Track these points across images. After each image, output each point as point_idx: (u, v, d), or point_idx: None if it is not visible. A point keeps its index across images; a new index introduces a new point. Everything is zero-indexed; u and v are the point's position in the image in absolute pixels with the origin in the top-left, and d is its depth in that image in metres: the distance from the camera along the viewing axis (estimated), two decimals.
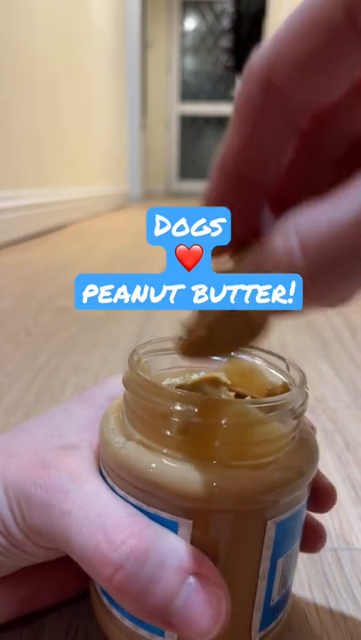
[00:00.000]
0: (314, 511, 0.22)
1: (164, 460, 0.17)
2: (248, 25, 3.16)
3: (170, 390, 0.17)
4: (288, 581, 0.20)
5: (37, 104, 1.60)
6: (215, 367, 0.23)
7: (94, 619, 0.23)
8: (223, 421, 0.17)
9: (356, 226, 0.10)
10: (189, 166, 5.52)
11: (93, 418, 0.22)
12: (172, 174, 5.51)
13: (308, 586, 0.25)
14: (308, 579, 0.26)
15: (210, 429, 0.17)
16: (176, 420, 0.17)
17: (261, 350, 0.22)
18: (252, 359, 0.23)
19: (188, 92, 5.33)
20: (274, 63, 0.12)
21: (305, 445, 0.19)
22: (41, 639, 0.22)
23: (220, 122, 5.34)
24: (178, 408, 0.17)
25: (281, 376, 0.21)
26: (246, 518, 0.17)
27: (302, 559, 0.27)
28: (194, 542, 0.17)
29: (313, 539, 0.22)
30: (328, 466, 0.36)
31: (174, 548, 0.16)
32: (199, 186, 5.91)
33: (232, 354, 0.22)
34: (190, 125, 5.40)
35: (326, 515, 0.31)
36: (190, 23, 5.14)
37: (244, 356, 0.23)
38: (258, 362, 0.22)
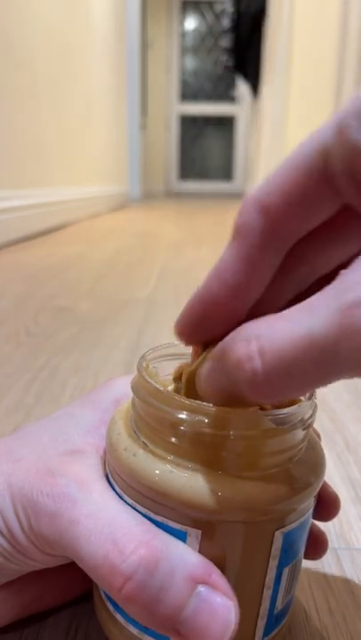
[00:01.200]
0: (317, 519, 0.22)
1: (174, 470, 0.17)
2: (248, 25, 3.16)
3: (181, 400, 0.17)
4: (292, 589, 0.20)
5: (37, 104, 1.60)
6: None
7: (94, 619, 0.23)
8: (234, 433, 0.17)
9: (308, 342, 0.12)
10: (189, 166, 5.52)
11: (98, 421, 0.22)
12: (172, 174, 5.51)
13: (308, 586, 0.25)
14: (308, 579, 0.26)
15: (220, 440, 0.17)
16: (186, 429, 0.17)
17: None
18: None
19: (188, 92, 5.33)
20: (267, 195, 0.15)
21: (312, 455, 0.19)
22: (41, 639, 0.22)
23: (221, 122, 5.35)
24: (189, 418, 0.17)
25: None
26: (254, 529, 0.17)
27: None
28: (202, 551, 0.17)
29: (315, 546, 0.22)
30: (328, 466, 0.36)
31: (183, 557, 0.16)
32: (199, 186, 5.90)
33: None
34: (190, 125, 5.40)
35: None
36: (190, 23, 5.14)
37: None
38: None
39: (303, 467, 0.18)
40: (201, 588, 0.16)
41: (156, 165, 5.31)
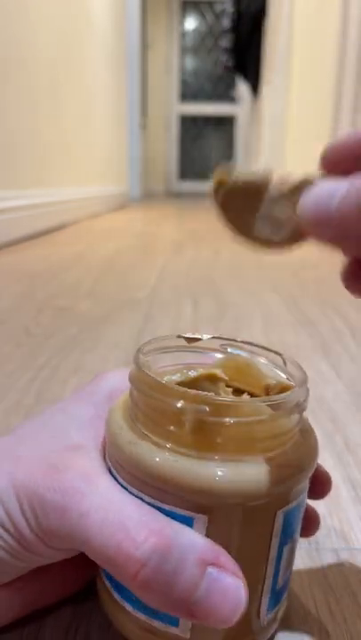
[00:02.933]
0: (310, 498, 0.23)
1: (177, 457, 0.18)
2: (248, 25, 3.16)
3: (180, 389, 0.18)
4: (291, 565, 0.21)
5: (38, 104, 1.60)
6: (212, 364, 0.23)
7: (95, 618, 0.23)
8: (233, 419, 0.17)
9: None
10: (189, 166, 5.52)
11: (93, 415, 0.22)
12: (172, 174, 5.51)
13: (309, 586, 0.25)
14: (309, 579, 0.26)
15: (223, 427, 0.18)
16: (189, 418, 0.18)
17: (259, 346, 0.23)
18: (248, 355, 0.23)
19: (188, 92, 5.32)
20: None
21: (307, 437, 0.20)
22: (41, 639, 0.22)
23: (220, 122, 5.34)
24: (188, 407, 0.17)
25: (279, 372, 0.22)
26: (257, 510, 0.18)
27: (302, 559, 0.27)
28: (209, 535, 0.18)
29: (309, 524, 0.23)
30: (328, 466, 0.36)
31: (192, 541, 0.17)
32: (199, 186, 5.90)
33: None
34: (190, 125, 5.40)
35: (326, 514, 0.31)
36: (190, 23, 5.14)
37: (240, 352, 0.24)
38: (260, 360, 0.23)
39: (300, 448, 0.19)
40: (211, 570, 0.16)
41: (156, 165, 5.31)
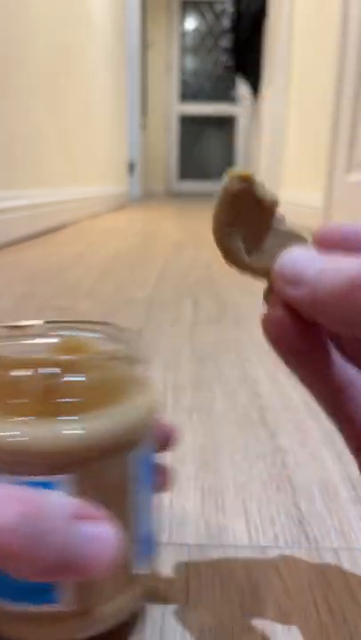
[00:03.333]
0: (160, 451, 0.24)
1: (27, 427, 0.18)
2: (248, 25, 3.16)
3: (22, 359, 0.19)
4: (153, 516, 0.22)
5: (37, 104, 1.60)
6: (45, 348, 0.23)
7: None
8: (82, 376, 0.19)
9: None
10: (189, 166, 5.52)
11: None
12: (172, 174, 5.51)
13: (309, 586, 0.25)
14: (309, 579, 0.26)
15: (66, 386, 0.19)
16: (33, 384, 0.18)
17: (87, 322, 0.24)
18: (79, 334, 0.24)
19: (188, 92, 5.33)
20: None
21: (148, 387, 0.22)
22: None
23: (221, 122, 5.35)
24: (38, 373, 0.18)
25: (111, 342, 0.23)
26: (112, 460, 0.19)
27: (303, 559, 0.27)
28: (72, 493, 0.18)
29: (162, 479, 0.25)
30: (328, 466, 0.36)
31: (58, 501, 0.17)
32: (199, 186, 5.90)
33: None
34: (190, 125, 5.41)
35: (326, 514, 0.31)
36: (190, 23, 5.15)
37: (71, 332, 0.24)
38: (92, 335, 0.24)
39: (143, 397, 0.21)
40: (81, 523, 0.17)
41: (156, 165, 5.32)
